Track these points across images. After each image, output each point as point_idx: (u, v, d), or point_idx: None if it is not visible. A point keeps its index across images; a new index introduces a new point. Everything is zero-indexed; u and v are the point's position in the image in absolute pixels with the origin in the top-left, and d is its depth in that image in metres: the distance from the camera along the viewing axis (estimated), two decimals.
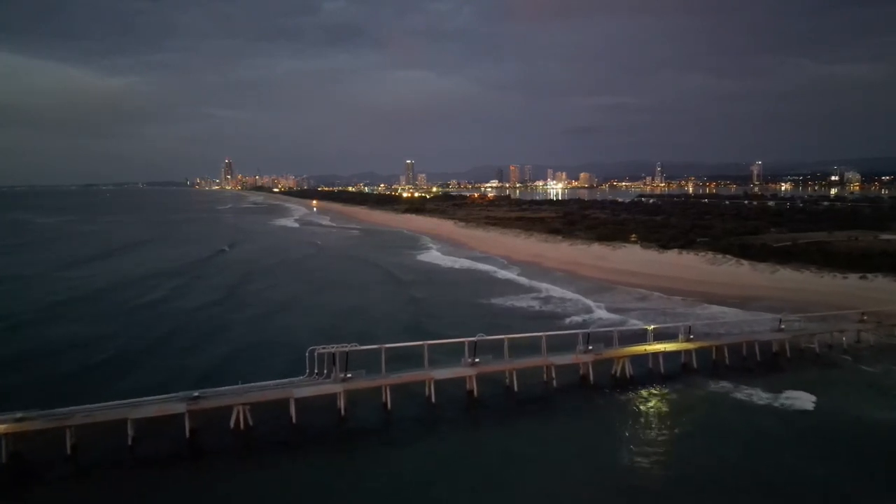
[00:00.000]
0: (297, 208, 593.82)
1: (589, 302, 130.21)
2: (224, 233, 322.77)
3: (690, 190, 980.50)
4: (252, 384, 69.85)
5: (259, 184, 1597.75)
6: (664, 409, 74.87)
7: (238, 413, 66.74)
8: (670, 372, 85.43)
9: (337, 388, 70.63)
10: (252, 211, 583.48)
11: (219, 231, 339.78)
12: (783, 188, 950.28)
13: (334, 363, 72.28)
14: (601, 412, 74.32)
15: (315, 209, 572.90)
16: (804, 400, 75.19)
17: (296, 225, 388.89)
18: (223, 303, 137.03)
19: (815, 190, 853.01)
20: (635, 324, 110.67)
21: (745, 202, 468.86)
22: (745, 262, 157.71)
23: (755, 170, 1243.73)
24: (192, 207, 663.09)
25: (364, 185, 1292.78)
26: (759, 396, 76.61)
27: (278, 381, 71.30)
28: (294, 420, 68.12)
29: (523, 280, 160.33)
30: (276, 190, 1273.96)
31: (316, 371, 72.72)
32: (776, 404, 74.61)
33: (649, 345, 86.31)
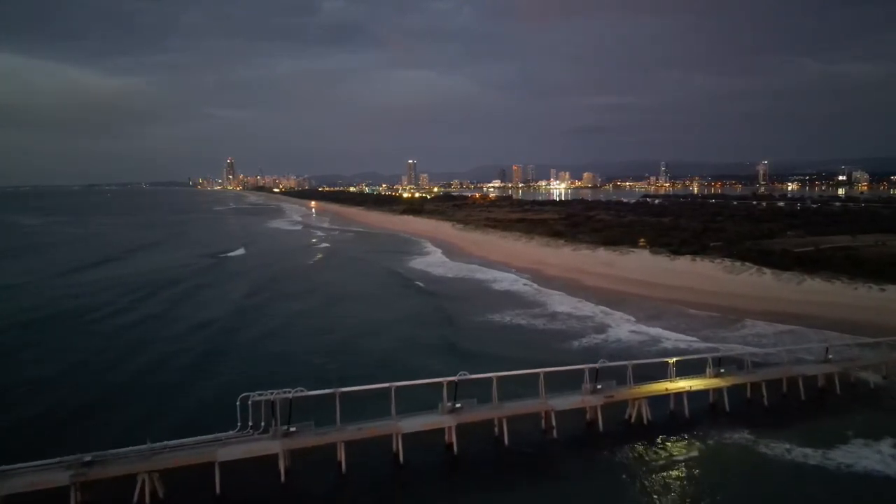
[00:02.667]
0: (294, 209, 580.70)
1: (598, 319, 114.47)
2: (217, 237, 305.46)
3: (695, 190, 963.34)
4: (164, 443, 54.19)
5: (260, 184, 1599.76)
6: (691, 467, 59.33)
7: (143, 483, 51.43)
8: (697, 415, 69.79)
9: (276, 446, 55.30)
10: (248, 212, 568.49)
11: (212, 235, 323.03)
12: (790, 188, 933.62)
13: (273, 413, 57.00)
14: (613, 471, 58.94)
15: (313, 210, 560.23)
16: (865, 458, 59.51)
17: (289, 228, 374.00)
18: (211, 325, 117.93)
19: (822, 190, 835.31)
20: (653, 338, 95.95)
21: (754, 202, 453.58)
22: (767, 270, 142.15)
23: (761, 169, 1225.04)
24: (189, 208, 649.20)
25: (366, 186, 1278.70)
26: (806, 453, 60.64)
27: (199, 438, 55.68)
28: (219, 490, 52.82)
29: (523, 291, 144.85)
30: (276, 190, 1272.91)
31: (250, 424, 57.21)
32: (829, 464, 58.78)
33: (671, 381, 70.66)
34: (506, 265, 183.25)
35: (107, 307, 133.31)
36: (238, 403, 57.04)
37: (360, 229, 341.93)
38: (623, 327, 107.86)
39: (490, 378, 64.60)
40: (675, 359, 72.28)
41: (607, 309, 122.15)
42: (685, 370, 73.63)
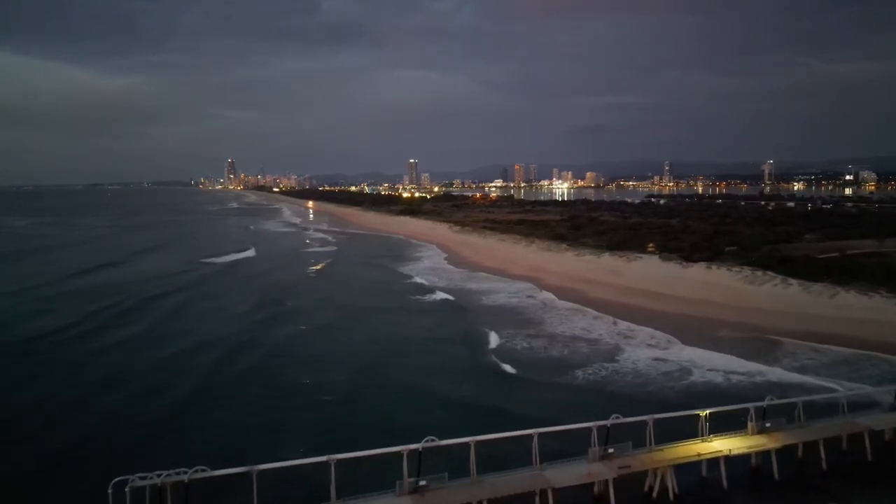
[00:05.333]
0: (291, 209, 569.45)
1: (609, 342, 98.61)
2: (212, 241, 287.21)
3: (700, 190, 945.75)
4: None
5: (261, 184, 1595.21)
6: None
7: None
8: (737, 485, 53.51)
9: None
10: (247, 213, 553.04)
11: (207, 238, 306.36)
12: (795, 188, 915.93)
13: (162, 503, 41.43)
14: None
15: (310, 211, 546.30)
16: None
17: (281, 229, 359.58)
18: (195, 353, 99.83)
19: (829, 190, 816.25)
20: (680, 369, 79.80)
21: (762, 203, 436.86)
22: (793, 281, 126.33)
23: (766, 169, 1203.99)
24: (187, 209, 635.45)
25: (367, 186, 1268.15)
26: None
27: None
28: None
29: (521, 305, 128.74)
30: (275, 190, 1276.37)
31: None
32: None
33: (703, 441, 54.69)
34: (503, 272, 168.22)
35: (72, 329, 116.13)
36: (110, 491, 40.95)
37: (355, 231, 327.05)
38: (639, 353, 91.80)
39: (467, 444, 48.65)
40: (708, 411, 55.91)
41: (618, 328, 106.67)
42: (720, 421, 57.49)
